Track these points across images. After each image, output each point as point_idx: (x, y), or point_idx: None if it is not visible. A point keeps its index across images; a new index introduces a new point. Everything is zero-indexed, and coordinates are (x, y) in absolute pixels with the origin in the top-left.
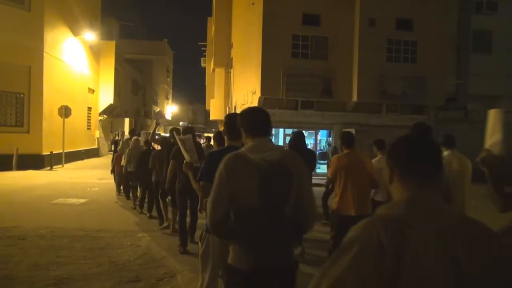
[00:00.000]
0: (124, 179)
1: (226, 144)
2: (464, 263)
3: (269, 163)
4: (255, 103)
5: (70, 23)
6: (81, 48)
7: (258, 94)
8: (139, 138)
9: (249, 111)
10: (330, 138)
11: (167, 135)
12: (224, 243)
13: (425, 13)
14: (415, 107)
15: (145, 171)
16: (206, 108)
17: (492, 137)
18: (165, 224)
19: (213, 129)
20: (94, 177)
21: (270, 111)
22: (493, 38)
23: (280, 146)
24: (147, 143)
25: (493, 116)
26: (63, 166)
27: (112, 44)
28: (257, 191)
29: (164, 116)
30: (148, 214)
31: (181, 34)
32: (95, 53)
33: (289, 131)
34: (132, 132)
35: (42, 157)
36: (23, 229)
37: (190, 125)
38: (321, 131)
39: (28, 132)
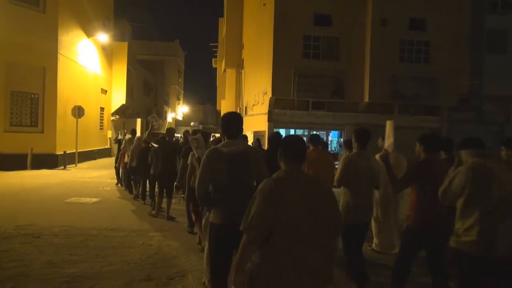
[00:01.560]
0: (128, 173)
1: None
2: (313, 202)
3: (235, 153)
4: (266, 104)
5: (83, 24)
6: (94, 49)
7: (269, 94)
8: (140, 136)
9: (226, 120)
10: (341, 139)
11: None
12: None
13: (438, 13)
14: (428, 108)
15: (145, 165)
16: (217, 108)
17: (388, 140)
18: (155, 211)
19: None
20: (107, 176)
21: (281, 112)
22: (508, 38)
23: (245, 142)
24: (146, 141)
25: (388, 125)
26: (76, 165)
27: (124, 45)
28: (226, 171)
29: (159, 120)
30: (142, 202)
31: (193, 35)
32: (108, 54)
33: (300, 131)
34: (133, 131)
35: (56, 156)
36: (38, 227)
37: (208, 132)
38: (332, 131)
39: (42, 132)
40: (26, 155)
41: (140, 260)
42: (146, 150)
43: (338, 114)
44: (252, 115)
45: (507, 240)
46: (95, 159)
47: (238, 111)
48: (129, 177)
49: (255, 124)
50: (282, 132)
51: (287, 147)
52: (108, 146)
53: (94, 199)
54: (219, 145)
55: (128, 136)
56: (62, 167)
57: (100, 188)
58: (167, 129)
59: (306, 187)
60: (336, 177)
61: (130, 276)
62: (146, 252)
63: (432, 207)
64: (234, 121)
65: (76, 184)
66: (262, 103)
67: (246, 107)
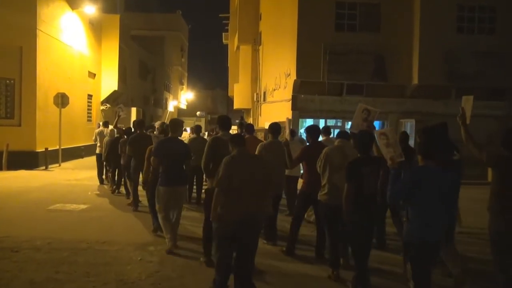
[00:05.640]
0: (100, 165)
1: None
2: (253, 169)
3: (227, 140)
4: (289, 88)
5: None
6: (80, 24)
7: (293, 76)
8: (114, 128)
9: (221, 119)
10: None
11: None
12: (166, 192)
13: None
14: (493, 91)
15: (115, 156)
16: (229, 94)
17: (286, 131)
18: (131, 200)
19: (237, 121)
20: (96, 178)
21: (308, 98)
22: None
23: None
24: (117, 132)
25: (287, 122)
26: (60, 165)
27: (116, 18)
28: (222, 152)
29: (125, 110)
30: (116, 191)
31: (198, 4)
32: (96, 29)
33: (331, 122)
34: (105, 123)
35: (35, 154)
36: (17, 239)
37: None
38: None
39: (19, 125)
40: (0, 153)
41: (138, 279)
42: (117, 141)
43: (380, 100)
44: (272, 102)
45: (337, 192)
46: (82, 157)
47: (255, 97)
48: (101, 167)
49: (276, 113)
50: (310, 122)
51: (233, 140)
52: (94, 141)
53: (82, 206)
54: (219, 135)
55: (100, 128)
56: (44, 167)
57: (89, 193)
58: (134, 120)
59: (248, 161)
60: None
61: None
62: (146, 270)
63: (314, 177)
64: (228, 121)
65: (60, 188)
66: (285, 87)
67: (264, 93)
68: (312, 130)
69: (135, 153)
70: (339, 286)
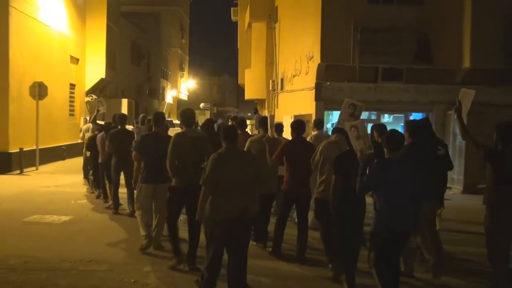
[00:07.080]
0: (84, 164)
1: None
2: (243, 166)
3: (193, 137)
4: (312, 74)
5: None
6: (61, 0)
7: (317, 60)
8: (91, 124)
9: (183, 114)
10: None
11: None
12: (147, 189)
13: None
14: None
15: (96, 154)
16: (239, 82)
17: (271, 129)
18: (109, 203)
19: (248, 114)
20: (81, 184)
21: (335, 85)
22: None
23: (198, 130)
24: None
25: (269, 118)
26: (37, 168)
27: None
28: (188, 149)
29: (105, 105)
30: (95, 193)
31: None
32: (80, 6)
33: (364, 115)
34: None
35: (8, 156)
36: None
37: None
38: (413, 114)
39: None
40: None
41: None
42: (94, 138)
43: (423, 87)
44: (292, 91)
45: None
46: (63, 159)
47: (271, 85)
48: (86, 168)
49: (296, 104)
50: (336, 115)
51: (226, 134)
52: (82, 140)
53: (64, 218)
54: (184, 131)
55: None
56: (18, 171)
57: (73, 202)
58: (114, 115)
59: (237, 157)
60: None
61: None
62: None
63: (295, 175)
64: (192, 116)
65: (38, 196)
66: (307, 73)
67: (282, 80)
68: (296, 125)
69: (116, 151)
70: (328, 286)
